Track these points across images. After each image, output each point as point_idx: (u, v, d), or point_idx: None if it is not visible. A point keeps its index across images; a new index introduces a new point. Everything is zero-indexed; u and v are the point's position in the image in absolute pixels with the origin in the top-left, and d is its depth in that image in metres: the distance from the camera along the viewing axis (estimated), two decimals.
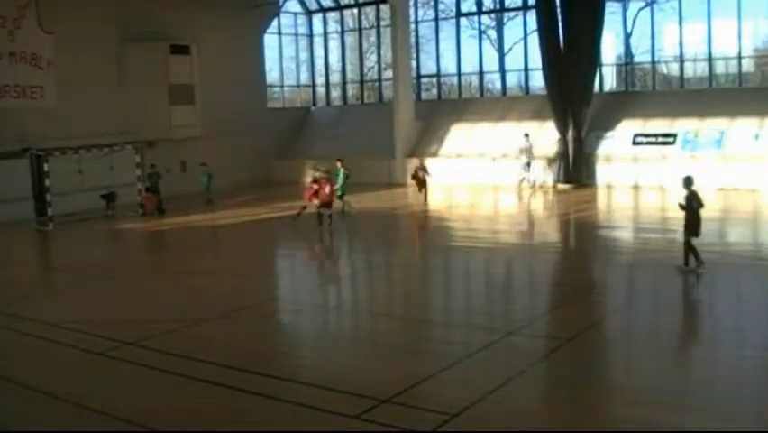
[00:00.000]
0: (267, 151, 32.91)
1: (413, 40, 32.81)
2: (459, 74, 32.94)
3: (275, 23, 34.74)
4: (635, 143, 26.39)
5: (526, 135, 26.83)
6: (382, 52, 34.81)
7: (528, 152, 26.51)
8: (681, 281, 13.38)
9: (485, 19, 33.06)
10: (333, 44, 36.58)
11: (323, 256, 18.13)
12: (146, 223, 23.05)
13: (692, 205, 13.17)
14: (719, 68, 28.15)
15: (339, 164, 22.72)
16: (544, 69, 27.46)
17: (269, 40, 34.63)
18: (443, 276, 15.49)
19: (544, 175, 27.14)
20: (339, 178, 22.16)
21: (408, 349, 9.94)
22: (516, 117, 29.58)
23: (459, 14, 32.74)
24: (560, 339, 9.81)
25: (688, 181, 13.36)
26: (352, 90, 36.57)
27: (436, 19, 33.33)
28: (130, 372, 9.22)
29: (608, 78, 30.33)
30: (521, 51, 30.90)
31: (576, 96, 26.58)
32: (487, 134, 29.73)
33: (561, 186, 26.75)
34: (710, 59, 27.37)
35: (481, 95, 32.53)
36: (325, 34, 36.43)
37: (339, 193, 21.71)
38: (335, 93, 37.03)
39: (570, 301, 12.00)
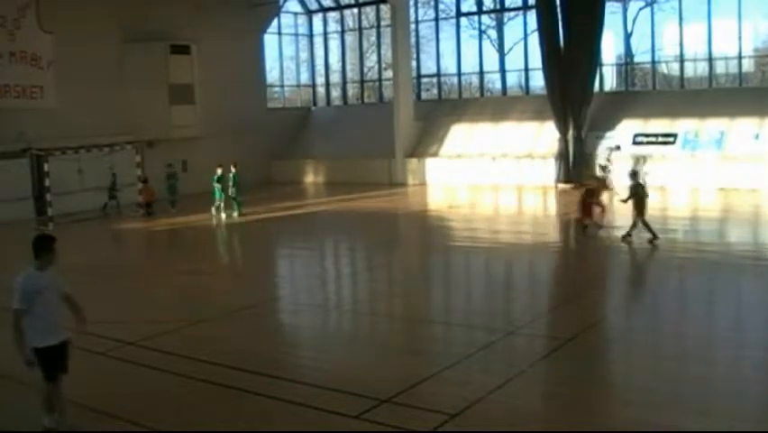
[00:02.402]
0: (267, 151, 32.92)
1: (413, 40, 32.82)
2: (459, 74, 32.94)
3: (275, 22, 34.75)
4: (635, 143, 26.40)
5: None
6: (382, 52, 34.82)
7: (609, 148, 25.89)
8: (680, 281, 13.39)
9: (485, 19, 33.08)
10: (333, 44, 36.60)
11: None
12: (146, 223, 23.06)
13: None
14: (719, 68, 28.14)
15: (233, 168, 22.69)
16: (543, 69, 27.47)
17: (269, 40, 34.66)
18: (445, 276, 15.50)
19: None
20: (230, 182, 22.61)
21: (408, 349, 9.94)
22: (516, 117, 29.60)
23: (459, 14, 32.75)
24: (560, 339, 9.80)
25: None
26: (352, 90, 36.57)
27: (436, 19, 33.33)
28: (130, 372, 9.22)
29: (608, 78, 30.35)
30: (521, 51, 30.94)
31: (576, 96, 26.59)
32: (487, 134, 29.75)
33: (561, 186, 26.76)
34: (710, 59, 27.38)
35: (481, 95, 32.54)
36: (325, 34, 36.44)
37: (233, 197, 22.50)
38: (335, 93, 37.03)
39: (570, 301, 12.00)
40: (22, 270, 7.27)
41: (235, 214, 22.64)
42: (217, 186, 22.90)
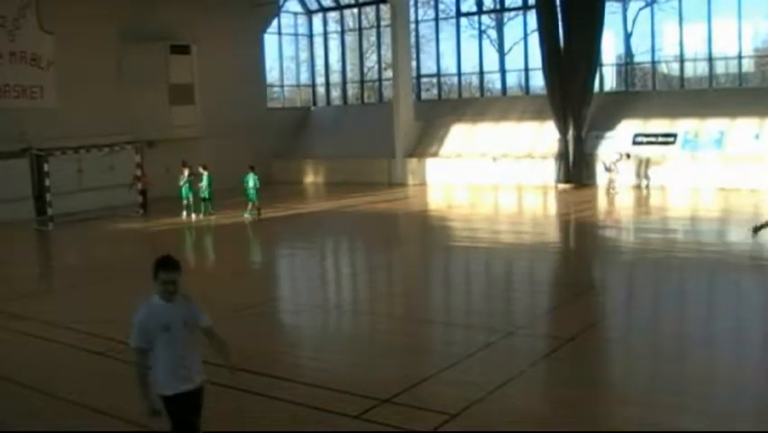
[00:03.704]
0: (267, 151, 32.88)
1: (413, 40, 32.82)
2: (459, 74, 32.95)
3: (275, 23, 34.76)
4: (635, 143, 26.40)
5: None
6: (382, 52, 34.82)
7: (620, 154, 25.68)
8: (680, 281, 13.39)
9: (485, 19, 33.10)
10: (333, 44, 36.61)
11: None
12: (146, 223, 23.06)
13: None
14: (719, 68, 28.16)
15: (202, 169, 22.74)
16: (543, 69, 27.48)
17: (269, 40, 34.67)
18: (445, 276, 15.50)
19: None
20: (203, 183, 22.62)
21: (408, 349, 9.93)
22: (516, 117, 29.60)
23: (459, 14, 32.76)
24: (560, 339, 9.80)
25: None
26: (351, 90, 36.57)
27: (436, 19, 33.34)
28: (130, 372, 9.18)
29: (608, 78, 30.36)
30: (521, 51, 30.95)
31: (576, 96, 26.60)
32: (487, 134, 29.75)
33: (561, 186, 26.76)
34: (710, 59, 27.39)
35: (481, 95, 32.55)
36: (325, 34, 36.45)
37: (205, 196, 22.59)
38: (335, 93, 37.04)
39: (570, 301, 12.00)
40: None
41: (201, 215, 22.66)
42: (252, 189, 22.06)
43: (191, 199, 22.88)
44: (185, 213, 22.88)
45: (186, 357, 5.81)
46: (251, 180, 22.01)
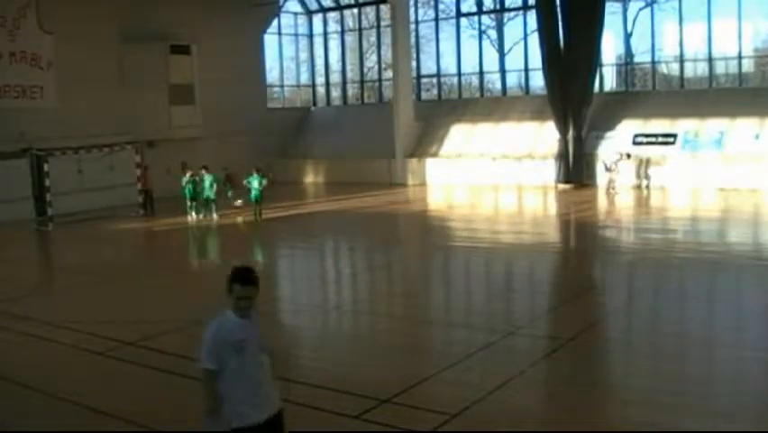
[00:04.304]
0: (267, 151, 32.88)
1: (413, 40, 32.82)
2: (459, 74, 32.95)
3: (275, 23, 34.77)
4: (635, 143, 26.39)
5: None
6: (382, 52, 34.82)
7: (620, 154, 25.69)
8: (680, 281, 13.39)
9: (485, 19, 33.09)
10: (333, 44, 36.61)
11: None
12: (146, 223, 23.06)
13: None
14: (719, 68, 28.15)
15: (204, 171, 22.72)
16: (543, 69, 27.47)
17: (269, 40, 34.67)
18: (445, 276, 15.50)
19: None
20: (206, 183, 22.52)
21: (408, 349, 9.93)
22: (516, 117, 29.61)
23: (459, 14, 32.75)
24: (560, 339, 9.81)
25: None
26: (352, 90, 36.57)
27: (436, 19, 33.34)
28: (130, 372, 9.21)
29: (608, 78, 30.35)
30: (521, 51, 30.94)
31: (576, 96, 26.59)
32: (487, 134, 29.75)
33: (561, 186, 26.76)
34: (710, 59, 27.38)
35: (481, 95, 32.54)
36: (325, 34, 36.45)
37: (209, 197, 22.46)
38: (335, 93, 37.03)
39: (570, 301, 12.00)
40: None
41: (202, 216, 22.63)
42: (255, 187, 21.77)
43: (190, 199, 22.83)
44: (193, 213, 22.83)
45: (262, 380, 5.19)
46: (256, 182, 21.83)
